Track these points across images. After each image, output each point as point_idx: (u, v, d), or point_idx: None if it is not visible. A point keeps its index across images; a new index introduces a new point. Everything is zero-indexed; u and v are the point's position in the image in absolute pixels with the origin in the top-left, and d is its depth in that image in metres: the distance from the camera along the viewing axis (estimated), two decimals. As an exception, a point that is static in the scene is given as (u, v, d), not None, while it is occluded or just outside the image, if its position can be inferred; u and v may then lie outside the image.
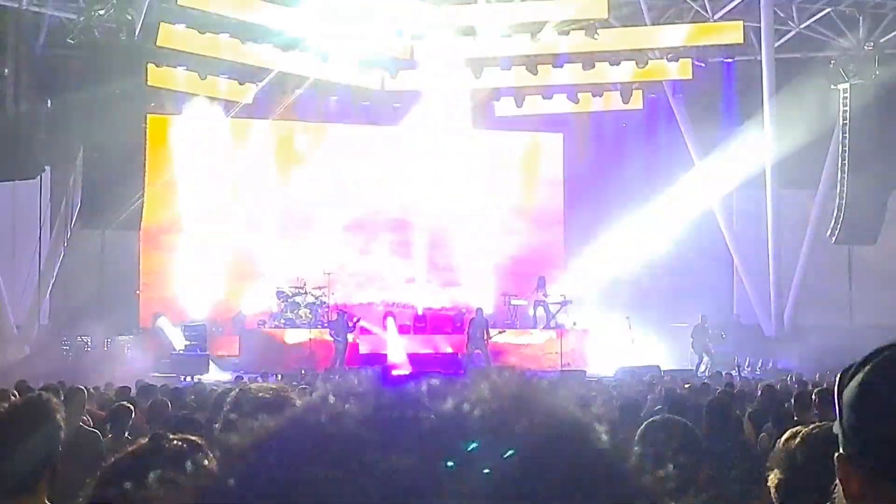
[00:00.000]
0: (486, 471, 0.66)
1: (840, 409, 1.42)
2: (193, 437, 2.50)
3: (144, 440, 2.52)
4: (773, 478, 2.75)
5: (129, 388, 12.52)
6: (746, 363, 23.21)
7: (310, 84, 25.85)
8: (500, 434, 0.68)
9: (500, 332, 23.56)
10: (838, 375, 1.44)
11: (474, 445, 0.67)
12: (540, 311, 24.98)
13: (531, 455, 0.67)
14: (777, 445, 2.92)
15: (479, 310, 23.42)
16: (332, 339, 22.63)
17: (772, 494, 2.73)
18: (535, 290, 25.04)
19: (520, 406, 0.71)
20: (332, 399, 0.71)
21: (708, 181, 26.17)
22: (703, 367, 22.75)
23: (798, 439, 2.77)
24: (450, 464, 0.66)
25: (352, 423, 0.69)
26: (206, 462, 0.76)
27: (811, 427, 2.80)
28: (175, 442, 2.43)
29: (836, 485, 1.43)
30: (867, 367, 1.39)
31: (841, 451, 1.42)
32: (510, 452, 0.64)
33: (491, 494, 0.65)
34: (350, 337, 22.90)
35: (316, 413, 0.70)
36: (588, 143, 27.80)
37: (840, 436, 1.42)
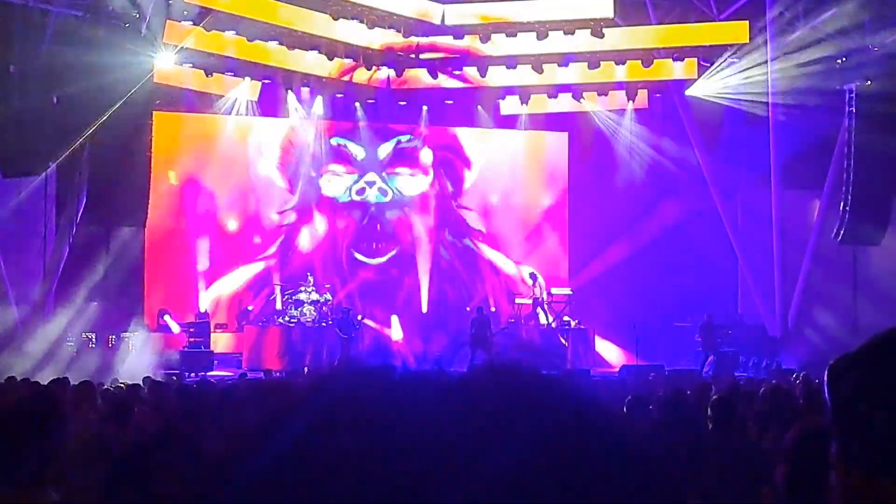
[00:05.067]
0: (497, 464, 0.65)
1: (833, 402, 1.41)
2: (198, 426, 2.53)
3: (154, 430, 2.55)
4: (780, 471, 2.78)
5: (139, 386, 12.57)
6: (750, 363, 23.21)
7: (315, 82, 25.94)
8: (508, 427, 0.68)
9: (503, 329, 23.56)
10: (827, 369, 1.42)
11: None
12: (543, 309, 24.98)
13: (539, 447, 0.67)
14: (782, 441, 2.95)
15: (481, 308, 23.44)
16: (338, 336, 22.71)
17: (780, 487, 2.76)
18: (533, 287, 25.04)
19: (525, 400, 0.71)
20: (334, 392, 0.70)
21: (713, 181, 26.18)
22: (707, 367, 22.74)
23: (801, 433, 2.80)
24: (459, 457, 0.65)
25: (355, 416, 0.68)
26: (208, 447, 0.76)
27: (814, 421, 2.82)
28: (181, 430, 2.46)
29: (833, 478, 1.43)
30: (862, 361, 1.39)
31: (835, 444, 1.41)
32: None
33: (501, 487, 0.65)
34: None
35: (316, 405, 0.70)
36: (593, 143, 27.78)
37: (834, 429, 1.42)
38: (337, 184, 26.90)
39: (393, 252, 26.88)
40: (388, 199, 27.16)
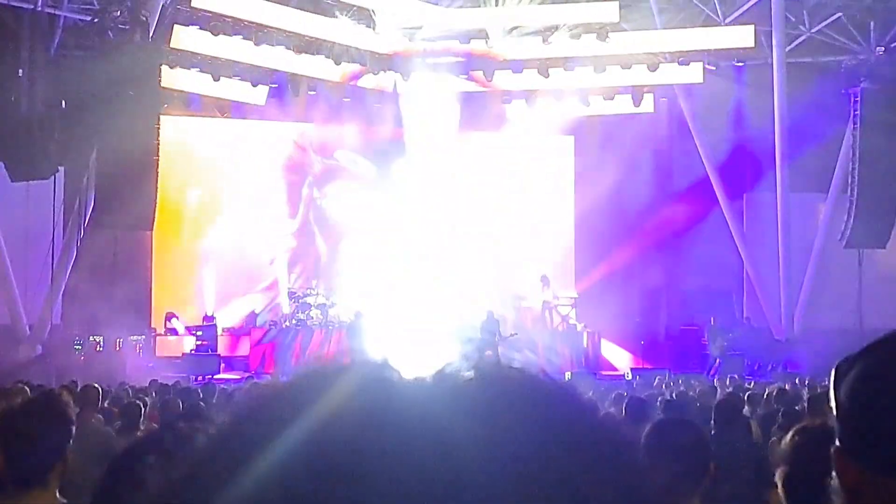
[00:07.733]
0: (499, 471, 0.66)
1: (837, 401, 1.41)
2: (202, 426, 2.56)
3: (157, 433, 2.58)
4: (780, 473, 2.80)
5: (147, 389, 12.60)
6: (756, 366, 23.19)
7: (322, 86, 25.95)
8: (511, 432, 0.68)
9: (513, 335, 23.52)
10: (834, 367, 1.44)
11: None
12: (550, 312, 24.96)
13: (541, 453, 0.68)
14: (784, 442, 2.97)
15: (490, 312, 23.40)
16: (346, 339, 22.71)
17: (779, 488, 2.78)
18: (542, 290, 24.98)
19: (531, 405, 0.72)
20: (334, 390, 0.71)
21: (718, 184, 26.17)
22: (712, 370, 22.74)
23: (801, 434, 2.82)
24: (460, 460, 0.66)
25: (355, 417, 0.68)
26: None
27: (814, 423, 2.85)
28: (184, 428, 2.49)
29: (832, 477, 1.42)
30: (865, 359, 1.39)
31: (837, 443, 1.40)
32: None
33: (501, 491, 0.65)
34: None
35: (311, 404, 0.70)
36: (599, 146, 27.73)
37: (837, 428, 1.42)
38: (343, 203, 26.73)
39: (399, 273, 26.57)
40: (395, 219, 26.89)
